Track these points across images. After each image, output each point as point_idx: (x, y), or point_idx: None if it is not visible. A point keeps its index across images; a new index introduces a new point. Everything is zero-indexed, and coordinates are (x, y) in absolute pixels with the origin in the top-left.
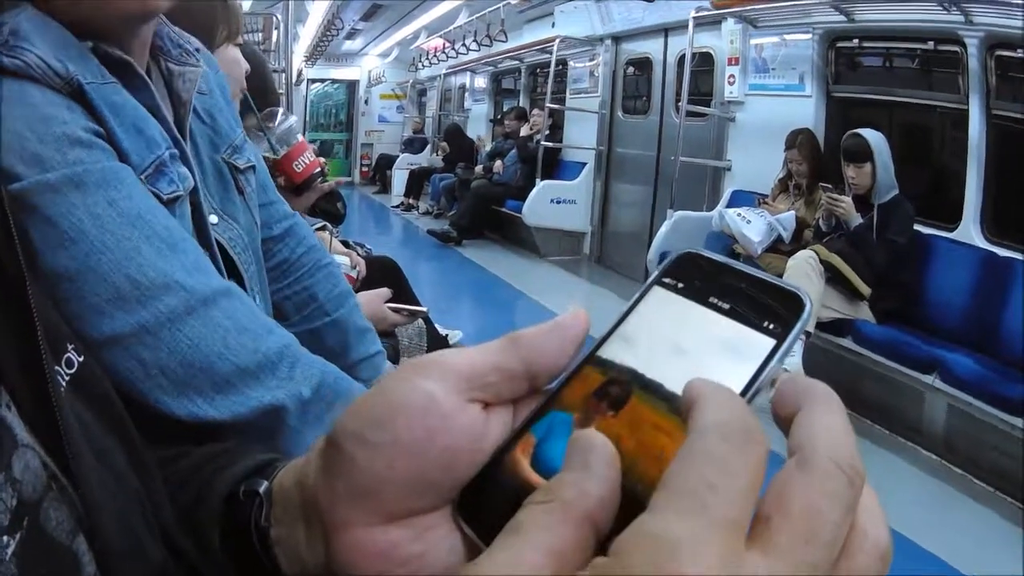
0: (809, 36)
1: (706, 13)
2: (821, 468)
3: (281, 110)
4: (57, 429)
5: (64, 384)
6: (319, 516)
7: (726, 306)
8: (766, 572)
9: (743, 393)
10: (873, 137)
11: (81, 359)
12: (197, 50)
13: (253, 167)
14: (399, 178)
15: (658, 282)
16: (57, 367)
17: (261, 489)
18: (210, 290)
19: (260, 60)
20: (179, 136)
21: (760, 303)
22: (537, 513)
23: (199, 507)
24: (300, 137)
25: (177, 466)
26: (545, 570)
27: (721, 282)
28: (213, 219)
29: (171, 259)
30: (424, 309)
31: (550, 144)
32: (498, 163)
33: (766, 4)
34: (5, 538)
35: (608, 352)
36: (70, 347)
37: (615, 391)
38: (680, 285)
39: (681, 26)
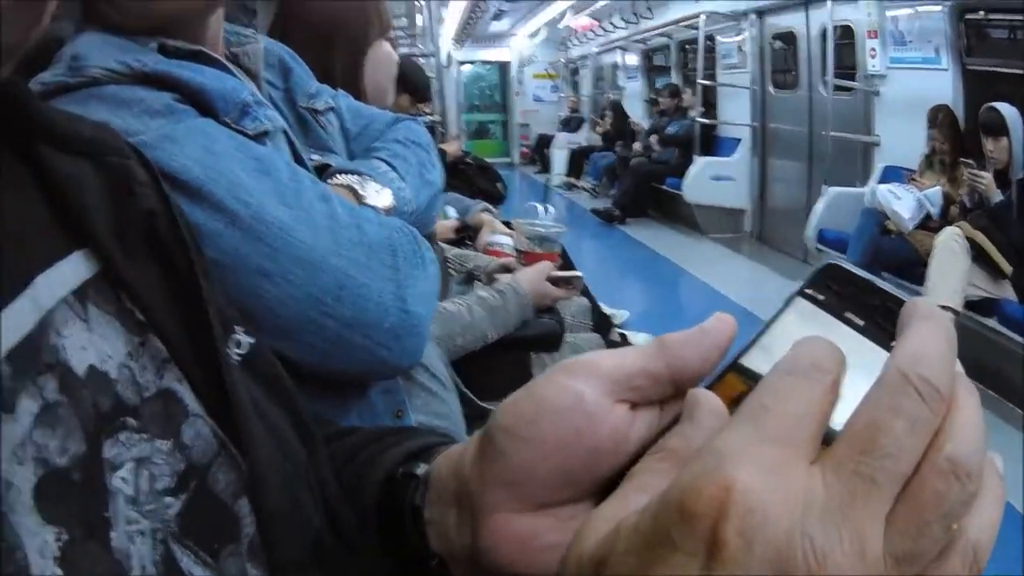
0: (940, 8)
1: None
2: (888, 381)
3: (543, 207)
4: (228, 402)
5: (236, 362)
6: (470, 501)
7: (860, 323)
8: (816, 482)
9: None
10: (1008, 111)
11: (252, 340)
12: (252, 33)
13: (332, 108)
14: (558, 158)
15: (801, 293)
16: (227, 348)
17: (420, 472)
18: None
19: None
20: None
21: (894, 322)
22: (648, 461)
23: (361, 483)
24: (558, 248)
25: (343, 443)
26: None
27: (858, 297)
28: (315, 156)
29: (265, 181)
30: (579, 274)
31: (705, 121)
32: (655, 140)
33: None
34: (169, 499)
35: (749, 361)
36: (239, 329)
37: None
38: (820, 297)
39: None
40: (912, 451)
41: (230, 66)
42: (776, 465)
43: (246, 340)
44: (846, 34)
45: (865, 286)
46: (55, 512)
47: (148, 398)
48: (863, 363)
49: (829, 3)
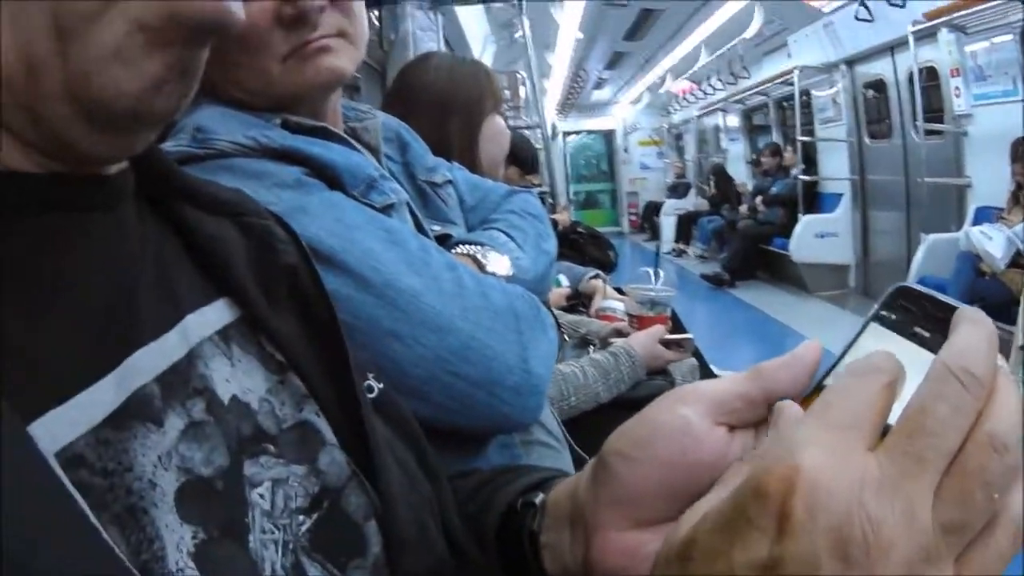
0: (1011, 37)
1: (922, 26)
2: (934, 374)
3: (653, 272)
4: (361, 435)
5: (368, 404)
6: (583, 522)
7: (927, 335)
8: (872, 463)
9: None
10: None
11: (381, 386)
12: (368, 109)
13: (450, 181)
14: (667, 224)
15: (875, 317)
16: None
17: (537, 500)
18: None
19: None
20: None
21: None
22: (734, 466)
23: (484, 514)
24: (668, 312)
25: (465, 481)
26: None
27: (925, 313)
28: (436, 227)
29: (395, 251)
30: (690, 336)
31: (806, 178)
32: (760, 202)
33: (970, 7)
34: (302, 517)
35: (830, 381)
36: (370, 375)
37: None
38: (893, 318)
39: (903, 43)
40: (956, 431)
41: (352, 141)
42: (838, 449)
43: (376, 386)
44: (932, 76)
45: (931, 303)
46: (194, 514)
47: (286, 428)
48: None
49: (912, 44)
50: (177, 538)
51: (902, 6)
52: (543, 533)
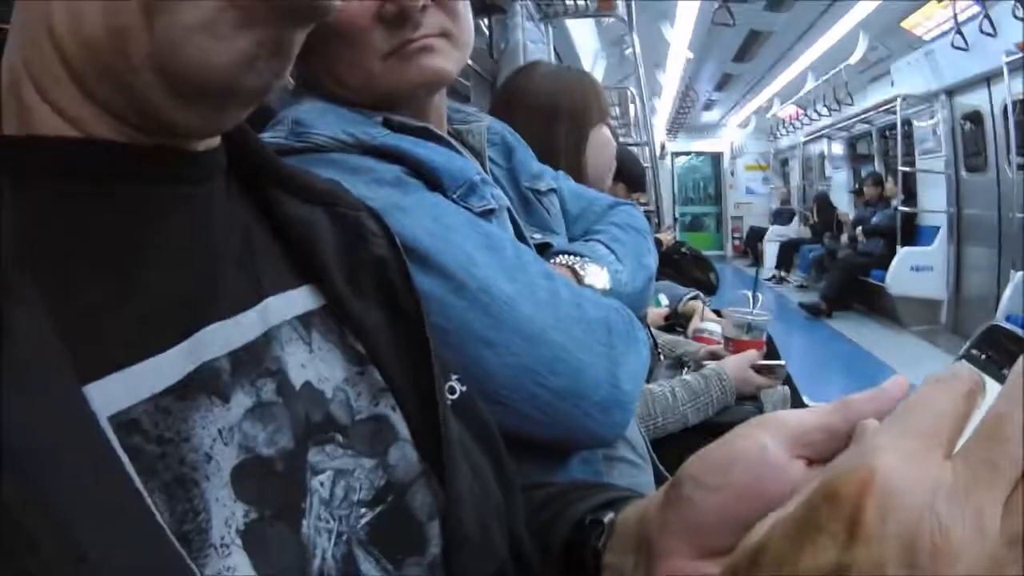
0: None
1: (1015, 57)
2: (1011, 381)
3: (751, 296)
4: (437, 434)
5: (448, 404)
6: (648, 546)
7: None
8: (947, 468)
9: None
10: None
11: (464, 388)
12: (475, 111)
13: (554, 189)
14: (770, 251)
15: (965, 355)
16: (443, 389)
17: (606, 519)
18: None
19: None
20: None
21: None
22: (811, 482)
23: (552, 526)
24: (763, 337)
25: (539, 492)
26: None
27: (1014, 352)
28: (536, 235)
29: (491, 257)
30: (782, 363)
31: (905, 209)
32: (860, 232)
33: None
34: (364, 509)
35: None
36: (454, 377)
37: None
38: (983, 357)
39: (999, 73)
40: None
41: (455, 143)
42: (914, 453)
43: (459, 388)
44: None
45: (1020, 344)
46: (249, 492)
47: (360, 420)
48: None
49: (1006, 75)
50: (228, 513)
51: (993, 35)
52: (607, 553)
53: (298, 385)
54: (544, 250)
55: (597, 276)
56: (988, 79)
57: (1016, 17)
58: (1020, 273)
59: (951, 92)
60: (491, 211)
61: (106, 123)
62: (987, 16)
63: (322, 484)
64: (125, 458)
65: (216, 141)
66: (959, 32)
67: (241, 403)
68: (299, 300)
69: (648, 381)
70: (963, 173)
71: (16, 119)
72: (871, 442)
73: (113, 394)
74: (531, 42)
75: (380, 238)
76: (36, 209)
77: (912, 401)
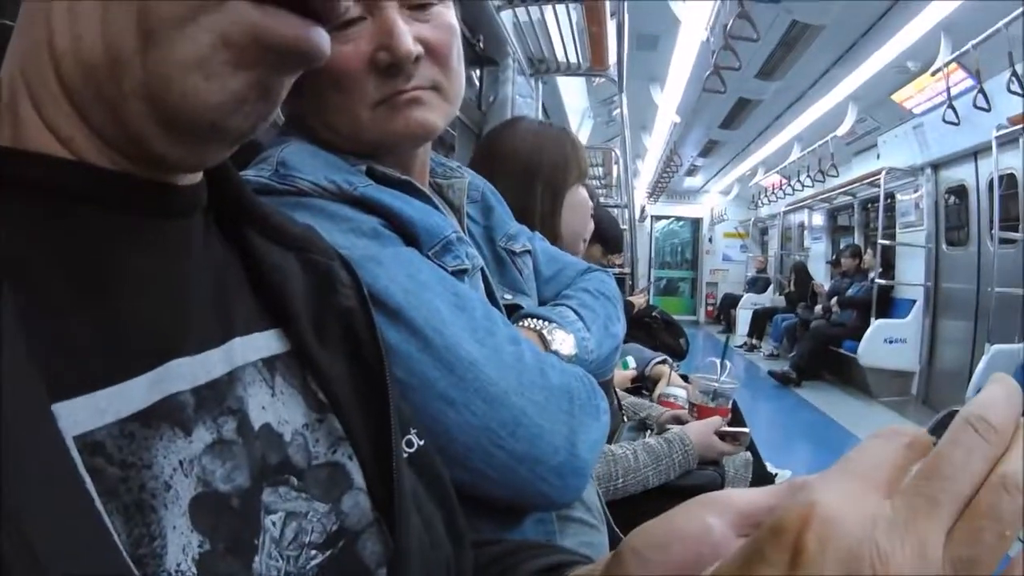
0: None
1: (1006, 131)
2: (952, 426)
3: (720, 364)
4: (389, 485)
5: (405, 456)
6: None
7: None
8: (886, 505)
9: None
10: None
11: (421, 443)
12: (458, 166)
13: (529, 251)
14: (743, 318)
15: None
16: (400, 442)
17: None
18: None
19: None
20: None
21: None
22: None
23: None
24: (728, 404)
25: (489, 549)
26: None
27: None
28: (508, 296)
29: (461, 317)
30: (746, 430)
31: (883, 282)
32: (835, 303)
33: None
34: (314, 552)
35: None
36: (412, 431)
37: None
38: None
39: (987, 148)
40: (970, 475)
41: (435, 198)
42: (854, 493)
43: (417, 442)
44: (1011, 183)
45: None
46: (205, 524)
47: (316, 466)
48: None
49: (994, 149)
50: (185, 541)
51: (988, 110)
52: None
53: (257, 426)
54: (514, 311)
55: (563, 342)
56: (976, 153)
57: (1011, 92)
58: (995, 347)
59: (937, 166)
60: (464, 271)
61: (96, 147)
62: (982, 90)
63: (274, 524)
64: (88, 478)
65: (198, 177)
66: (951, 106)
67: (202, 438)
68: (265, 343)
69: (611, 442)
70: (943, 247)
71: (10, 129)
72: (812, 486)
73: (80, 415)
74: (520, 96)
75: (349, 288)
76: (17, 223)
77: (851, 452)
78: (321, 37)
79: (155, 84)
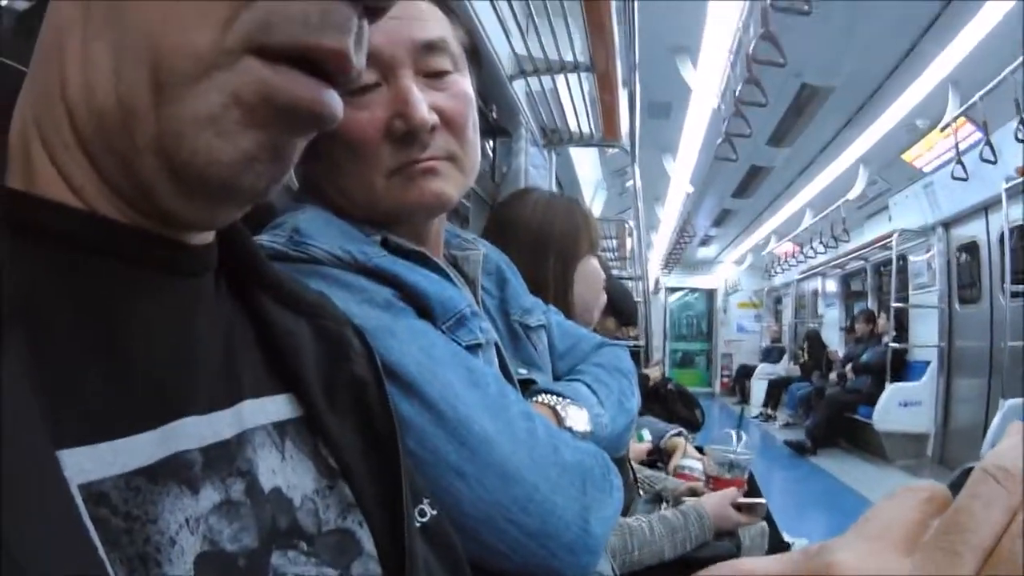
0: None
1: (1015, 182)
2: (971, 479)
3: (736, 434)
4: (400, 554)
5: (417, 526)
6: None
7: None
8: (906, 563)
9: None
10: None
11: (434, 512)
12: (473, 238)
13: (543, 325)
14: (757, 388)
15: None
16: (412, 511)
17: None
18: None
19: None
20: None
21: None
22: None
23: None
24: (745, 475)
25: None
26: None
27: None
28: (522, 371)
29: (474, 392)
30: (763, 501)
31: (896, 346)
32: (849, 369)
33: None
34: None
35: None
36: (425, 500)
37: None
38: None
39: (997, 202)
40: (990, 525)
41: (449, 270)
42: (871, 552)
43: (430, 511)
44: (1022, 235)
45: None
46: None
47: (326, 532)
48: None
49: (1004, 201)
50: None
51: (994, 162)
52: None
53: (267, 489)
54: (528, 386)
55: (577, 418)
56: (986, 208)
57: (1018, 140)
58: (1009, 401)
59: (948, 224)
60: (478, 345)
61: (107, 198)
62: (988, 143)
63: None
64: (91, 527)
65: (210, 237)
66: (959, 161)
67: (210, 497)
68: (276, 408)
69: (626, 515)
70: (956, 306)
71: (21, 174)
72: (829, 548)
73: (85, 464)
74: (534, 167)
75: (362, 356)
76: (28, 269)
77: (867, 513)
78: (333, 99)
79: (167, 139)
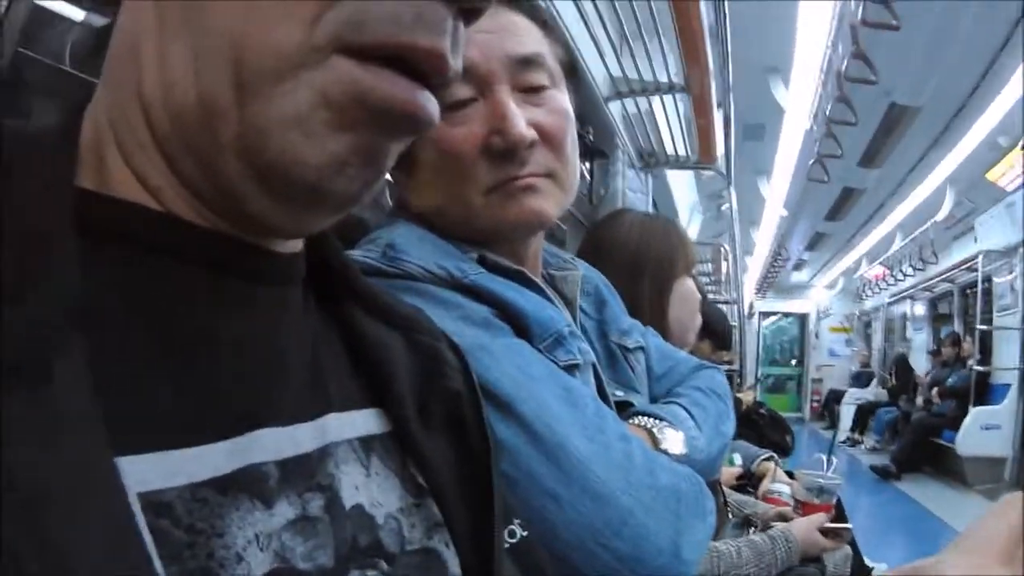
0: None
1: None
2: None
3: (825, 459)
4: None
5: (506, 547)
6: None
7: None
8: (1006, 571)
9: None
10: None
11: (525, 534)
12: (571, 258)
13: (642, 347)
14: (847, 413)
15: None
16: (502, 532)
17: None
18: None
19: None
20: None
21: None
22: None
23: None
24: (833, 500)
25: None
26: None
27: None
28: (619, 393)
29: (571, 412)
30: (849, 526)
31: (980, 369)
32: (935, 393)
33: None
34: None
35: None
36: (516, 522)
37: None
38: None
39: None
40: None
41: (548, 290)
42: (977, 566)
43: (520, 532)
44: None
45: None
46: None
47: (410, 551)
48: None
49: None
50: None
51: None
52: None
53: (349, 505)
54: (624, 408)
55: (673, 441)
56: None
57: None
58: None
59: None
60: (576, 366)
61: (186, 200)
62: None
63: None
64: (149, 538)
65: (299, 246)
66: None
67: (284, 512)
68: (363, 422)
69: (715, 539)
70: None
71: (95, 176)
72: (934, 561)
73: (147, 473)
74: (630, 190)
75: (457, 371)
76: (99, 272)
77: (967, 529)
78: (428, 101)
79: (252, 138)
